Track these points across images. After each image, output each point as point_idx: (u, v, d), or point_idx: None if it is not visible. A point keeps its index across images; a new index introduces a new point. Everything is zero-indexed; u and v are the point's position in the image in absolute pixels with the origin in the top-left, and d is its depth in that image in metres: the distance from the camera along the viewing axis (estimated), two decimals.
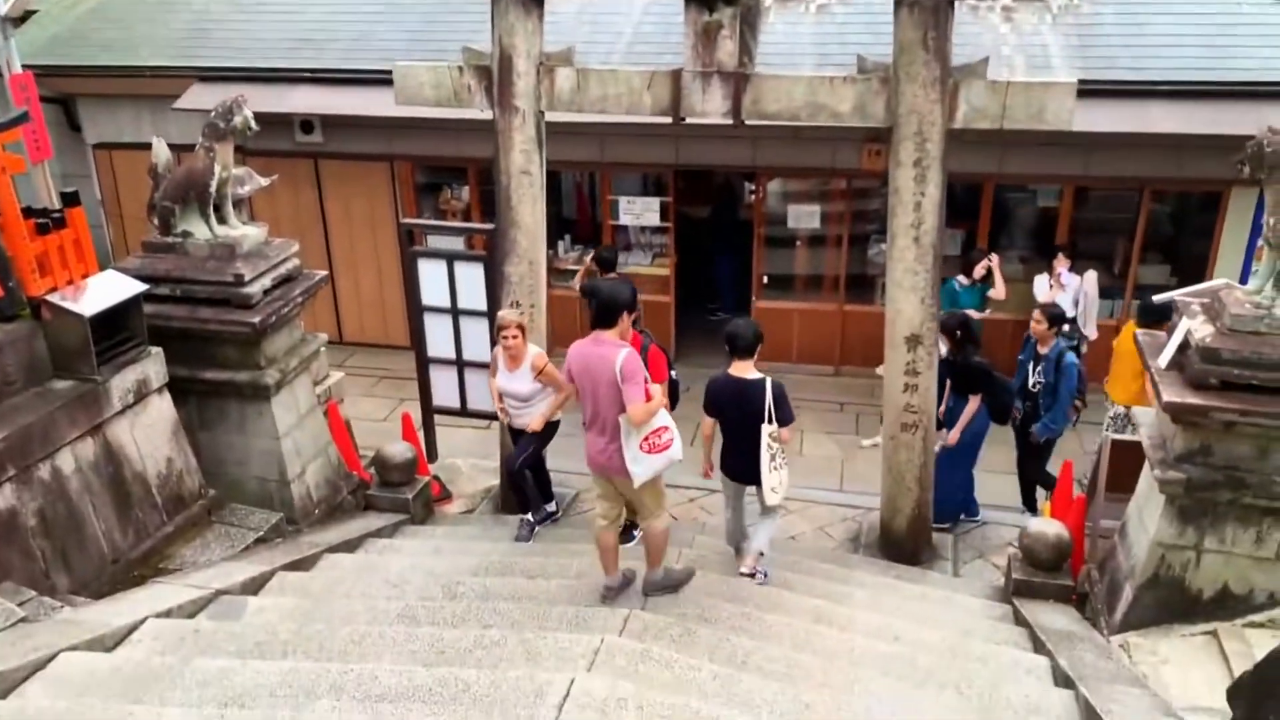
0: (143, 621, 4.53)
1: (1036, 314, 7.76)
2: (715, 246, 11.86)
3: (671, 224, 10.70)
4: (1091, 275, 9.41)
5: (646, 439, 4.77)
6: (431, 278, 7.91)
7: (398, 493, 7.20)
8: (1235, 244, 9.42)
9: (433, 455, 8.49)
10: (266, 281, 6.29)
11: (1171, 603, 5.28)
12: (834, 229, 10.55)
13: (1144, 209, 9.67)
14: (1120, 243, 10.40)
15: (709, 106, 6.46)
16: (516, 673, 3.87)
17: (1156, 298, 6.84)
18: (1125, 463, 6.83)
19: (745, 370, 5.64)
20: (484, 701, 3.68)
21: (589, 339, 4.96)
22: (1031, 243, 10.81)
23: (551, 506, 7.20)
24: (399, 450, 7.24)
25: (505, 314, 6.55)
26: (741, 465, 5.74)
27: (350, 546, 6.35)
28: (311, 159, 10.97)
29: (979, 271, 9.27)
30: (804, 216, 10.53)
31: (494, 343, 6.74)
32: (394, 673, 3.90)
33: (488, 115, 6.82)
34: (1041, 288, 9.47)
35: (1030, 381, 7.70)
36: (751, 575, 5.86)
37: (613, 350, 4.77)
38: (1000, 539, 7.54)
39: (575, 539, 6.80)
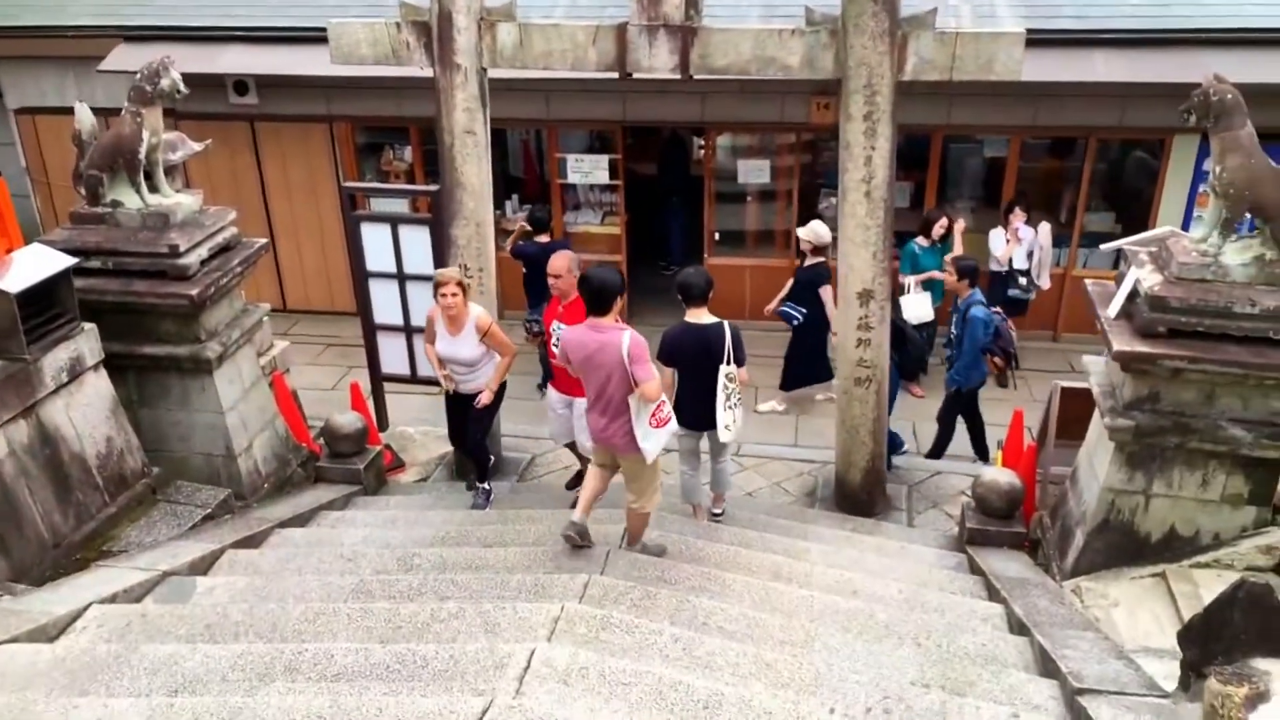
0: (86, 608, 4.40)
1: (947, 266, 7.85)
2: (665, 203, 11.78)
3: (621, 181, 10.56)
4: (1046, 227, 9.52)
5: (654, 414, 4.92)
6: (375, 242, 7.72)
7: (348, 463, 7.08)
8: (1178, 191, 9.54)
9: (383, 423, 8.36)
10: (203, 252, 6.07)
11: (1121, 546, 5.38)
12: (784, 183, 10.50)
13: (1090, 158, 9.73)
14: (1066, 192, 10.49)
15: (656, 61, 6.32)
16: (475, 646, 3.82)
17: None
18: (1075, 410, 6.91)
19: (701, 316, 5.78)
20: (443, 676, 3.63)
21: (585, 326, 5.03)
22: (980, 193, 10.86)
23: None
24: (348, 420, 7.12)
25: (444, 270, 6.36)
26: (701, 411, 5.83)
27: (302, 520, 6.24)
28: (247, 122, 10.62)
29: (938, 231, 9.23)
30: (753, 171, 10.47)
31: None
32: (350, 651, 3.83)
33: (428, 73, 6.62)
34: (998, 242, 9.54)
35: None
36: (720, 515, 6.37)
37: (615, 335, 4.87)
38: (953, 488, 7.64)
39: (533, 504, 6.75)
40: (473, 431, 6.68)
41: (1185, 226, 9.56)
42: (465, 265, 6.98)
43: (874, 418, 6.88)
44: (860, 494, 7.10)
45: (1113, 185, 10.42)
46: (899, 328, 7.74)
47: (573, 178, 10.54)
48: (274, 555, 5.51)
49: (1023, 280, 9.43)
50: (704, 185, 10.54)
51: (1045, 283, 9.65)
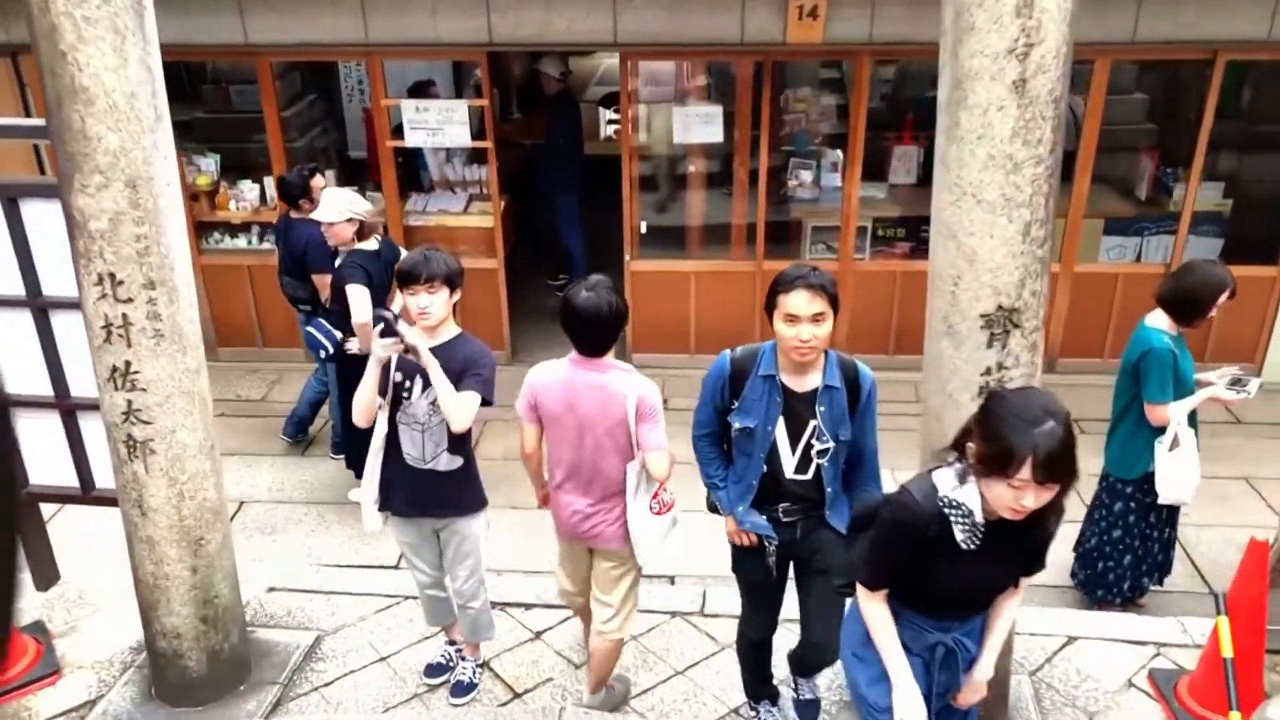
0: None
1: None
2: (555, 186, 7.94)
3: (491, 144, 6.79)
4: None
5: (656, 495, 3.52)
6: None
7: None
8: None
9: (44, 579, 4.50)
10: None
11: None
12: (743, 149, 6.86)
13: (1213, 92, 6.34)
14: (1142, 154, 7.16)
15: None
16: None
17: None
18: None
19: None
20: None
21: (571, 364, 3.40)
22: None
23: None
24: None
25: None
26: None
27: None
28: None
29: (1222, 306, 4.21)
30: (697, 125, 6.79)
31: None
32: None
33: None
34: None
35: None
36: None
37: (620, 380, 3.37)
38: (1105, 671, 4.14)
39: None
40: None
41: None
42: (111, 277, 3.16)
43: None
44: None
45: (1226, 139, 7.00)
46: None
47: (413, 139, 6.65)
48: None
49: None
50: (623, 153, 6.84)
51: None
